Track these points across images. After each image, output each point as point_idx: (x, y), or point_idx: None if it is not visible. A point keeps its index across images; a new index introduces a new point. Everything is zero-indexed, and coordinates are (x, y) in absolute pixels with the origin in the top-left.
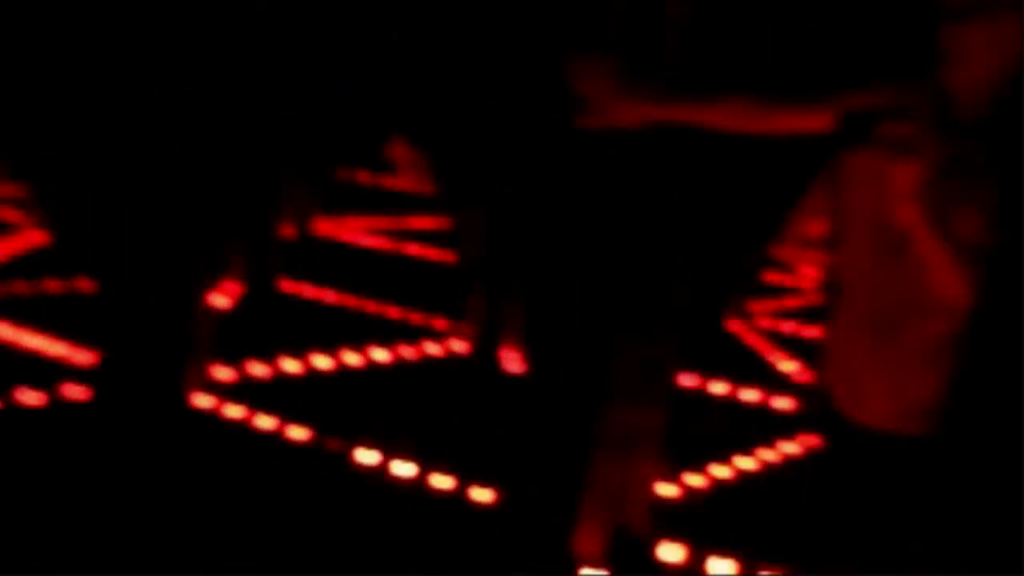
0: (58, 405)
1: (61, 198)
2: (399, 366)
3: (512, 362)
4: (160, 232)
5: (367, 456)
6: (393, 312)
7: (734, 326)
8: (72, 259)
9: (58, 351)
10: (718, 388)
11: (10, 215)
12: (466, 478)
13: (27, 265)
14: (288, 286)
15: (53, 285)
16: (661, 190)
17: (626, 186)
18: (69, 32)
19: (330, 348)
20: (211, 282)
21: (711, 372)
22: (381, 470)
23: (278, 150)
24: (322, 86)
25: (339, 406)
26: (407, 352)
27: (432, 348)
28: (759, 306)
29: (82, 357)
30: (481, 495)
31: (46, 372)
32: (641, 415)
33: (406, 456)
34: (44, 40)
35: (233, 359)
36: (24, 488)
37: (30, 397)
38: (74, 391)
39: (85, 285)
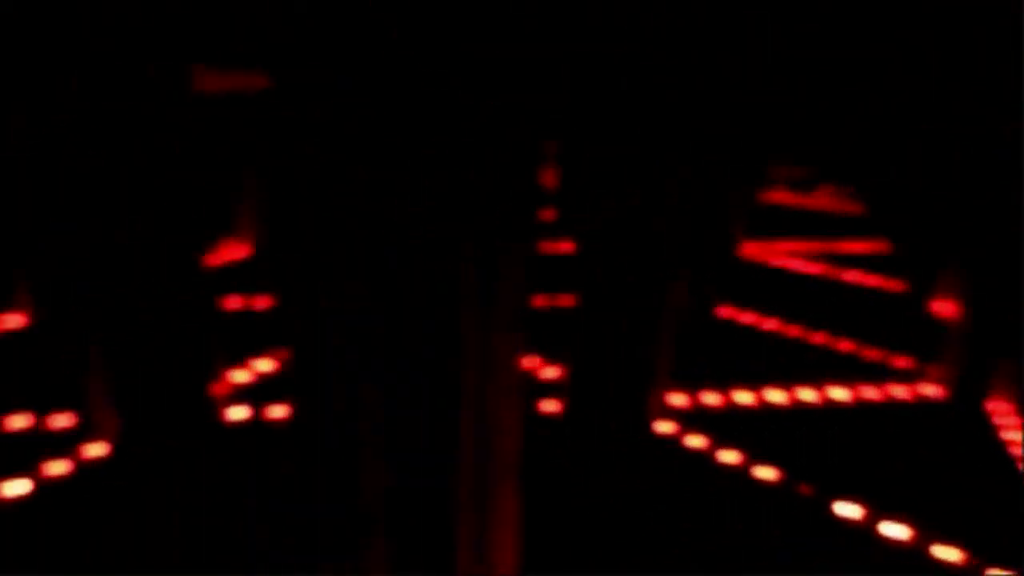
0: (533, 418)
1: None
2: (861, 407)
3: (1004, 417)
4: (631, 256)
5: (848, 509)
6: (845, 345)
7: None
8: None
9: (529, 363)
10: None
11: None
12: (976, 554)
13: None
14: (725, 312)
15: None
16: None
17: None
18: None
19: (782, 381)
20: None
21: None
22: (866, 527)
23: (724, 173)
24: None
25: (804, 446)
26: (868, 392)
27: (897, 390)
28: None
29: (550, 372)
30: None
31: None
32: None
33: (895, 515)
34: None
35: (685, 386)
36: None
37: None
38: (548, 405)
39: (567, 302)
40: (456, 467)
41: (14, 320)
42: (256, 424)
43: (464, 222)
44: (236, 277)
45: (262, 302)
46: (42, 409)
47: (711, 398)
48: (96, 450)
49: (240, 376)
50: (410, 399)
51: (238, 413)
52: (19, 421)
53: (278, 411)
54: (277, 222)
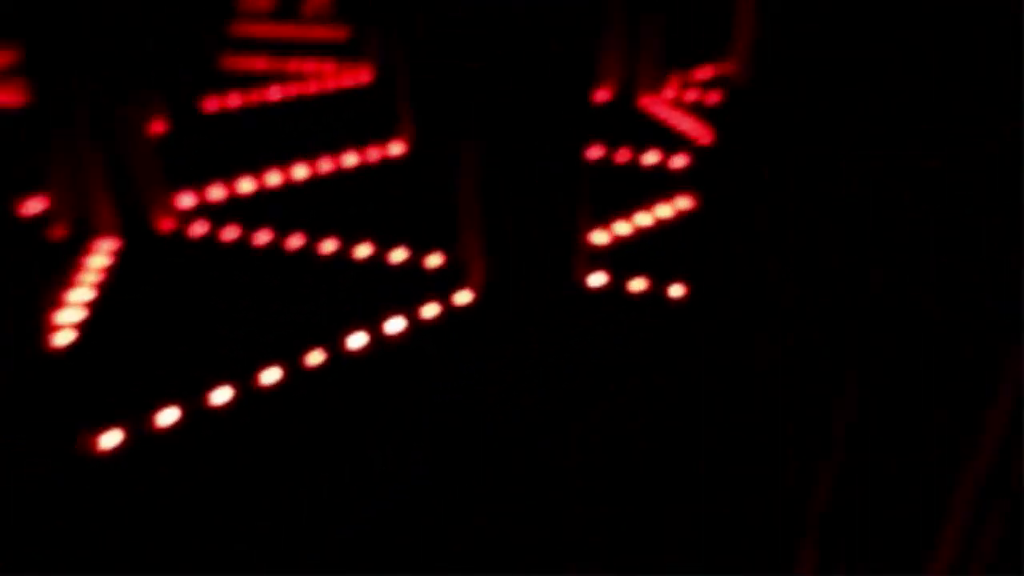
0: None
1: None
2: None
3: None
4: None
5: None
6: None
7: None
8: None
9: None
10: None
11: None
12: None
13: None
14: None
15: None
16: None
17: None
18: None
19: None
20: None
21: None
22: None
23: None
24: None
25: None
26: None
27: None
28: None
29: None
30: None
31: None
32: None
33: None
34: None
35: None
36: None
37: None
38: None
39: None
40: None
41: (397, 148)
42: (615, 292)
43: None
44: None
45: (623, 155)
46: (419, 245)
47: None
48: (463, 297)
49: (599, 237)
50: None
51: (598, 279)
52: (398, 255)
53: (638, 283)
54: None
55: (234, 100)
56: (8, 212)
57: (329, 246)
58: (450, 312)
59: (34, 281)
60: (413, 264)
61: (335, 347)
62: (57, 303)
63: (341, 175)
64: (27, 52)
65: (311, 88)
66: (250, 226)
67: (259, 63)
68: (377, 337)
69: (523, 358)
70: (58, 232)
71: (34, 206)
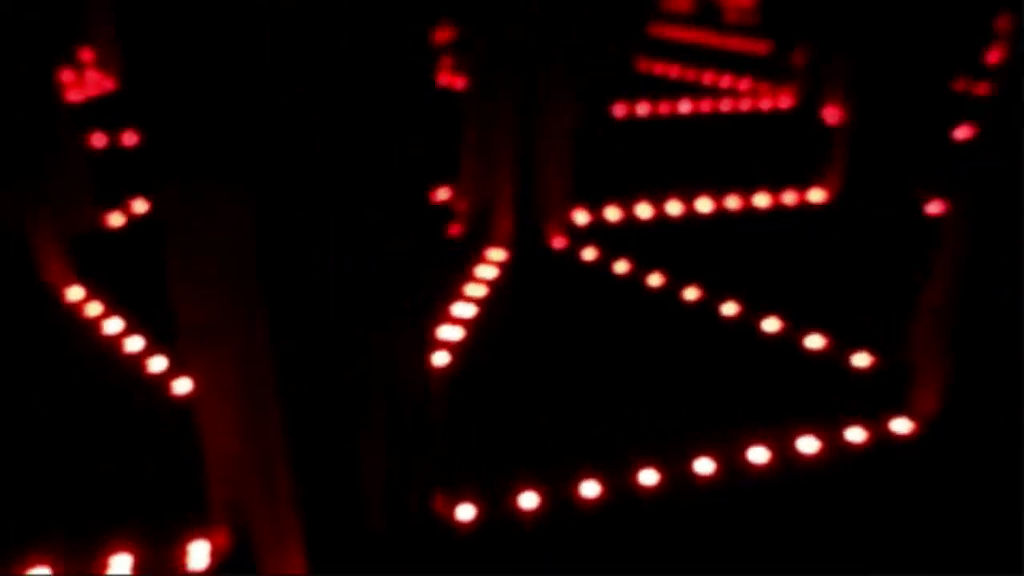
0: None
1: None
2: None
3: None
4: None
5: None
6: None
7: None
8: None
9: None
10: None
11: None
12: None
13: None
14: None
15: None
16: None
17: None
18: None
19: None
20: None
21: None
22: None
23: None
24: None
25: None
26: None
27: None
28: None
29: None
30: None
31: None
32: None
33: None
34: None
35: None
36: None
37: None
38: None
39: None
40: None
41: (818, 194)
42: None
43: None
44: None
45: None
46: (842, 332)
47: None
48: (901, 425)
49: None
50: None
51: None
52: (813, 341)
53: None
54: None
55: (643, 108)
56: (422, 198)
57: (730, 308)
58: (880, 443)
59: (423, 282)
60: (833, 358)
61: (727, 455)
62: (442, 316)
63: (749, 217)
64: (462, 33)
65: (724, 106)
66: (644, 261)
67: (672, 70)
68: (782, 452)
69: (978, 542)
70: (455, 230)
71: (442, 195)
